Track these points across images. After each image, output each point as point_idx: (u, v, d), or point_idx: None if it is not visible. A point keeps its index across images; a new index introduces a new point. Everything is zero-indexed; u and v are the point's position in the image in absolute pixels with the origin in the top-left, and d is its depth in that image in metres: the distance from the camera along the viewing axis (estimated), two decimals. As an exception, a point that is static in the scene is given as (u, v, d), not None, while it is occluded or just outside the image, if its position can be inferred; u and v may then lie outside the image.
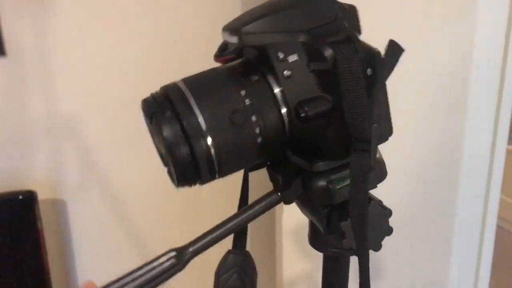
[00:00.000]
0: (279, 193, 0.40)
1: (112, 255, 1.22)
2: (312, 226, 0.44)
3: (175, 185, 0.36)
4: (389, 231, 0.38)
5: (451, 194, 1.14)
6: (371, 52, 0.34)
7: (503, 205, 1.24)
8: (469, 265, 1.23)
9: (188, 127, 0.33)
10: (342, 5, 0.36)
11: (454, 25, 1.01)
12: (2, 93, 1.07)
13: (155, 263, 0.37)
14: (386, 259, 1.11)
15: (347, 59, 0.33)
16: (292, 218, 0.87)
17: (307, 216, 0.42)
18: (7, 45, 1.04)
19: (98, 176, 1.16)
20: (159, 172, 1.21)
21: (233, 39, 0.34)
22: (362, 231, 0.35)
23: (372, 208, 0.37)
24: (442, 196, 1.12)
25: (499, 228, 1.23)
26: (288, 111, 0.35)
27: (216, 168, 0.34)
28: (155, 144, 0.39)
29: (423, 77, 1.01)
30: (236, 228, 0.39)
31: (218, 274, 0.46)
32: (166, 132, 0.33)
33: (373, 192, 0.40)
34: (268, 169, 0.40)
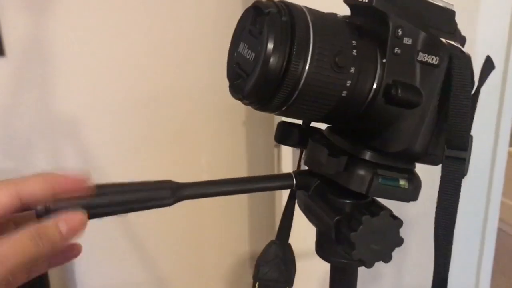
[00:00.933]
0: (293, 176, 0.40)
1: (112, 257, 1.20)
2: (319, 235, 0.43)
3: (238, 96, 0.34)
4: (399, 241, 0.38)
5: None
6: (472, 68, 0.36)
7: (504, 207, 1.25)
8: (470, 267, 1.23)
9: (298, 43, 0.31)
10: (459, 29, 0.38)
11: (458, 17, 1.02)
12: (1, 93, 1.04)
13: (148, 187, 0.36)
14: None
15: (462, 68, 0.34)
16: (298, 225, 0.86)
17: (314, 225, 0.42)
18: (7, 46, 1.02)
19: (98, 177, 1.13)
20: (160, 172, 1.19)
21: None
22: (447, 244, 0.35)
23: (383, 218, 0.37)
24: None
25: (499, 230, 1.24)
26: (377, 88, 0.34)
27: (292, 99, 0.33)
28: (234, 53, 0.36)
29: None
30: (237, 191, 0.39)
31: (259, 263, 0.44)
32: (275, 35, 0.31)
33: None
34: (311, 139, 0.39)
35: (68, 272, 1.17)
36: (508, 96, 1.10)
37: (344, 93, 0.33)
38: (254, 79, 0.32)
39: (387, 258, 0.37)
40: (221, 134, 1.20)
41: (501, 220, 1.24)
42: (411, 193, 0.38)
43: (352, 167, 0.37)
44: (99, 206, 0.35)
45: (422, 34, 0.35)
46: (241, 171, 1.24)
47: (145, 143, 1.16)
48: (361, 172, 0.36)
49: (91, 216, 0.35)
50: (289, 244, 0.45)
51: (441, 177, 0.35)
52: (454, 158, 0.34)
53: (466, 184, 1.02)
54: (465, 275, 1.24)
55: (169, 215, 1.19)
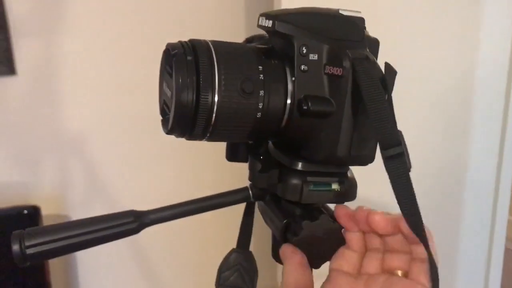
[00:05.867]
0: (249, 189, 0.43)
1: (116, 271, 1.22)
2: (273, 239, 0.45)
3: (166, 131, 0.38)
4: (341, 242, 0.40)
5: (456, 217, 1.13)
6: (380, 72, 0.38)
7: (510, 226, 1.22)
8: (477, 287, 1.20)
9: (203, 78, 0.35)
10: (369, 35, 0.40)
11: (459, 40, 1.01)
12: (12, 111, 1.09)
13: (112, 222, 0.39)
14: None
15: (366, 73, 0.36)
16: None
17: (268, 226, 0.44)
18: (18, 65, 1.06)
19: (102, 193, 1.16)
20: (163, 189, 1.20)
21: (268, 23, 0.38)
22: (420, 232, 0.36)
23: (322, 222, 0.39)
24: (447, 218, 1.11)
25: (506, 250, 1.21)
26: (292, 105, 0.37)
27: (211, 127, 0.36)
28: (161, 91, 0.40)
29: (429, 94, 1.02)
30: (198, 210, 0.42)
31: (221, 270, 0.46)
32: (182, 74, 0.35)
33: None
34: (250, 155, 0.43)
35: (72, 286, 1.19)
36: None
37: (259, 114, 0.36)
38: (172, 115, 0.35)
39: (330, 258, 0.40)
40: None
41: (508, 239, 1.22)
42: (345, 195, 0.40)
43: (284, 178, 0.40)
44: (70, 237, 0.38)
45: (327, 48, 0.37)
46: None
47: (149, 161, 1.19)
48: (293, 181, 0.39)
49: (67, 249, 0.38)
50: (250, 252, 0.47)
51: (390, 178, 0.36)
52: (392, 156, 0.35)
53: (472, 203, 1.00)
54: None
55: (175, 231, 1.21)
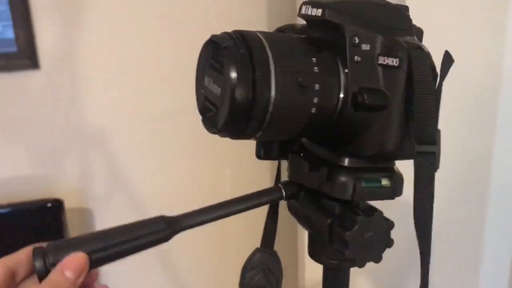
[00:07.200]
0: (282, 188, 0.41)
1: (137, 264, 1.23)
2: (310, 237, 0.43)
3: (213, 130, 0.35)
4: (390, 243, 0.39)
5: (480, 217, 1.10)
6: (433, 63, 0.36)
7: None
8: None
9: (260, 73, 0.32)
10: (414, 24, 0.38)
11: (485, 34, 0.99)
12: (35, 104, 1.10)
13: (142, 231, 0.36)
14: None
15: (421, 64, 0.34)
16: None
17: (304, 228, 0.42)
18: (41, 59, 1.07)
19: (124, 186, 1.17)
20: (185, 182, 1.20)
21: (317, 12, 0.35)
22: (426, 235, 0.35)
23: (377, 219, 0.38)
24: (471, 218, 1.09)
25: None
26: (345, 98, 0.35)
27: (265, 124, 0.34)
28: (201, 87, 0.38)
29: (453, 90, 0.99)
30: (230, 213, 0.39)
31: (245, 270, 0.45)
32: (236, 68, 0.32)
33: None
34: (290, 153, 0.40)
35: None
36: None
37: (313, 109, 0.34)
38: (226, 113, 0.33)
39: (377, 259, 0.38)
40: (245, 145, 1.22)
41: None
42: (395, 190, 0.38)
43: (333, 176, 0.38)
44: (97, 251, 0.35)
45: (379, 38, 0.35)
46: (265, 182, 1.25)
47: (171, 154, 1.19)
48: (343, 179, 0.37)
49: (92, 264, 0.35)
50: (275, 252, 0.46)
51: (415, 173, 0.35)
52: (425, 152, 0.34)
53: (496, 203, 0.96)
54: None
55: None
